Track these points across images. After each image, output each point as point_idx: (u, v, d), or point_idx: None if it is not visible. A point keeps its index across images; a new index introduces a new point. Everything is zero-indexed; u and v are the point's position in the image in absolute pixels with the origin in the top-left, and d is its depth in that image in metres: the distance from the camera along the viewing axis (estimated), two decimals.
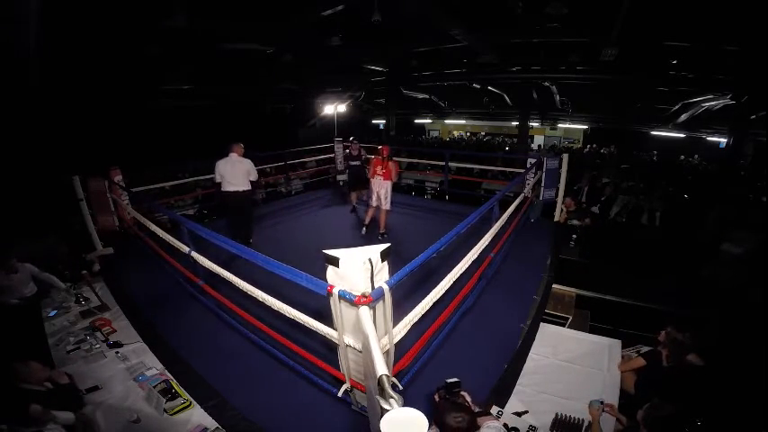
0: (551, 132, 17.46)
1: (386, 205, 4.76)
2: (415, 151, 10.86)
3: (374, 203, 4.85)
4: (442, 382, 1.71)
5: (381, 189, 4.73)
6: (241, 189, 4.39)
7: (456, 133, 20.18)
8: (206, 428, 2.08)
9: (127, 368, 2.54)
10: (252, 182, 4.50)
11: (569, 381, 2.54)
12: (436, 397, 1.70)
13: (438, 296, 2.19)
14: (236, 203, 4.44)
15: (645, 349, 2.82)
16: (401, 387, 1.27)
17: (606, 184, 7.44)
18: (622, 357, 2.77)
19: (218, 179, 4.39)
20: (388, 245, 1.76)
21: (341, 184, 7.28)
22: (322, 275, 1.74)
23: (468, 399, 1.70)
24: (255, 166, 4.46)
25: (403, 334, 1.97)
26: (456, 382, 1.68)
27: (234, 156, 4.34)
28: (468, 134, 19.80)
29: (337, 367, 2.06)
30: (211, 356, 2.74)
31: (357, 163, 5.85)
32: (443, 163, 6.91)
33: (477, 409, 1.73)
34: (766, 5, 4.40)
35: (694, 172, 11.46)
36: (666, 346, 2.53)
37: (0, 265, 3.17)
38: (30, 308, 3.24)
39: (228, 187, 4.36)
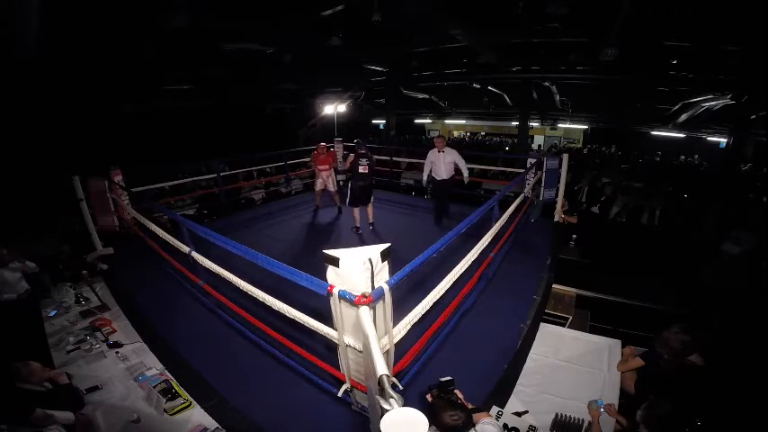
0: (551, 132, 17.45)
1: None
2: (415, 151, 10.84)
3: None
4: (434, 382, 1.71)
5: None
6: (445, 177, 5.46)
7: (456, 133, 20.15)
8: (206, 428, 2.08)
9: (127, 368, 2.54)
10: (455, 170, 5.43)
11: (569, 381, 2.54)
12: (428, 397, 1.69)
13: (438, 296, 2.19)
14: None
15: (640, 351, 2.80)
16: (401, 387, 1.27)
17: (606, 184, 7.44)
18: (622, 355, 2.76)
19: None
20: (389, 245, 1.76)
21: (340, 184, 7.19)
22: (322, 275, 1.74)
23: (462, 396, 1.70)
24: (255, 165, 4.56)
25: (403, 334, 1.97)
26: (449, 380, 1.68)
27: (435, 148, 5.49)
28: (469, 134, 19.78)
29: (337, 367, 2.06)
30: (211, 356, 2.74)
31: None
32: None
33: (471, 407, 1.73)
34: (766, 5, 4.40)
35: (694, 172, 11.47)
36: (667, 346, 2.52)
37: None
38: (27, 306, 3.23)
39: (434, 174, 5.54)
